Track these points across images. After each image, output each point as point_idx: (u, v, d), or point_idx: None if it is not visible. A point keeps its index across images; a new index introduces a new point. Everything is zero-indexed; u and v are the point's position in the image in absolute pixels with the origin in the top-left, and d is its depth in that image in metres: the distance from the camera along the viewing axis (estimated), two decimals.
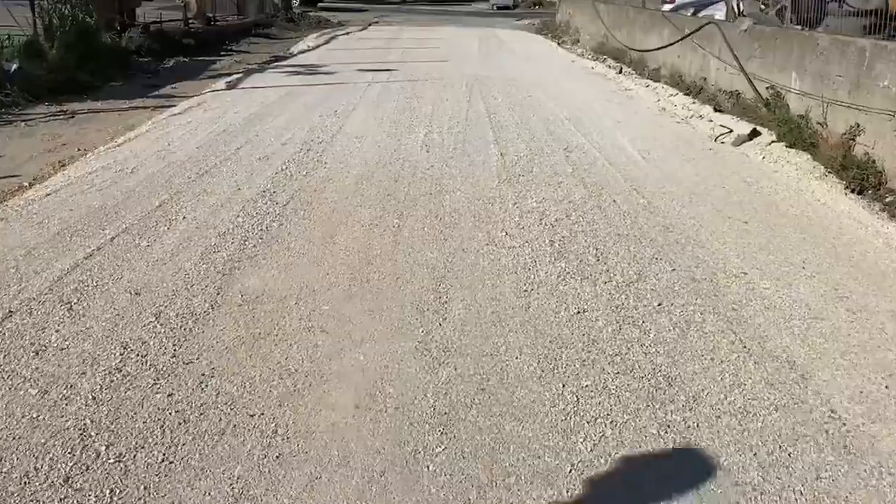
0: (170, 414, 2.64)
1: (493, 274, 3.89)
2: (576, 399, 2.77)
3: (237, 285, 3.70)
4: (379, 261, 4.06)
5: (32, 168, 5.92)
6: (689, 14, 11.72)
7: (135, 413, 2.64)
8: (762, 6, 9.78)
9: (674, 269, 3.99)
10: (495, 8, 34.70)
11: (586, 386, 2.85)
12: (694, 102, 8.74)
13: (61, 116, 7.88)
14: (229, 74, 11.10)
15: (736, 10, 9.32)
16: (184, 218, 4.68)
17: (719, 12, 11.13)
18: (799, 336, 3.28)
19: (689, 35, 9.53)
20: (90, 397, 2.73)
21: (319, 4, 29.51)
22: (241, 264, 3.96)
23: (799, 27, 7.99)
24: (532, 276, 3.87)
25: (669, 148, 6.85)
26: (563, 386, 2.85)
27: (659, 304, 3.56)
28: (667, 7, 17.43)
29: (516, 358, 3.05)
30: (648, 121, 8.23)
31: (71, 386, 2.80)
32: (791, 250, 4.31)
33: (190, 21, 16.05)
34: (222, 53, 14.00)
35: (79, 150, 6.47)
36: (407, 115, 8.22)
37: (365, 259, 4.07)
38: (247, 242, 4.28)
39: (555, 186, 5.50)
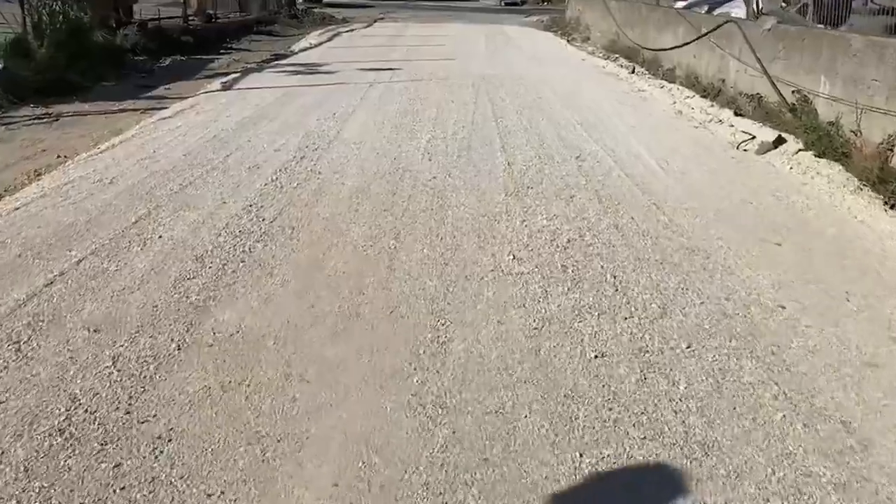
0: (112, 492, 2.22)
1: (499, 307, 3.46)
2: (596, 475, 2.34)
3: (210, 321, 3.28)
4: (371, 290, 3.63)
5: (7, 177, 5.52)
6: (703, 12, 11.24)
7: (71, 491, 2.22)
8: (783, 4, 9.29)
9: (702, 302, 3.55)
10: (503, 4, 34.26)
11: (607, 456, 2.42)
12: (712, 105, 8.27)
13: (45, 120, 7.48)
14: (226, 74, 10.69)
15: (756, 8, 8.84)
16: (160, 237, 4.27)
17: (736, 10, 10.65)
18: (852, 389, 2.84)
19: (706, 34, 9.06)
20: (22, 468, 2.32)
21: (325, 0, 29.10)
22: (217, 294, 3.55)
23: (822, 26, 7.52)
24: (543, 310, 3.43)
25: (689, 156, 6.40)
26: (581, 456, 2.42)
27: (688, 347, 3.12)
28: (680, 4, 16.98)
29: (525, 417, 2.62)
30: (665, 125, 7.77)
31: (2, 452, 2.39)
32: (832, 278, 3.86)
33: (189, 18, 15.65)
34: (221, 52, 13.60)
35: (59, 157, 6.06)
36: (409, 118, 7.79)
37: (356, 288, 3.65)
38: (226, 267, 3.86)
39: (566, 201, 5.06)
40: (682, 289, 3.69)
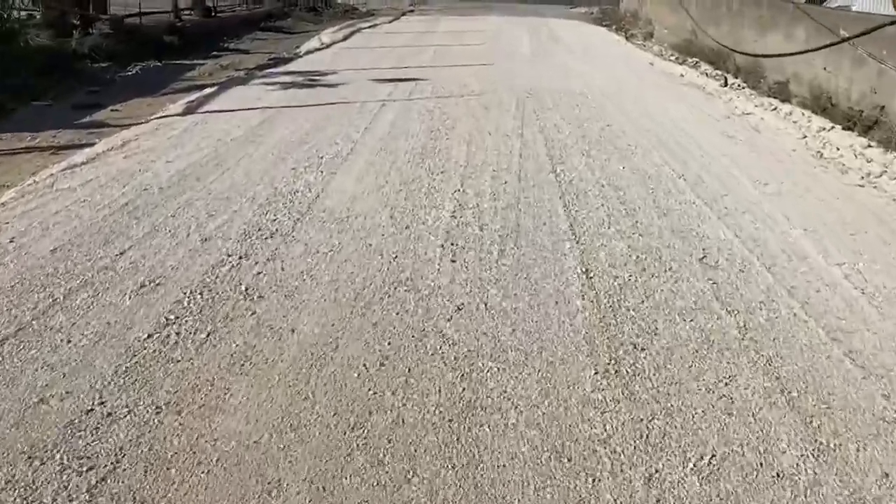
0: None
1: None
2: None
3: None
4: None
5: None
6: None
7: None
8: None
9: None
10: None
11: None
12: (870, 146, 5.68)
13: None
14: (201, 88, 8.37)
15: None
16: None
17: (857, 4, 7.99)
18: None
19: (849, 39, 6.43)
20: None
21: None
22: None
23: None
24: None
25: (892, 260, 3.85)
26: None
27: None
28: None
29: None
30: (813, 182, 5.20)
31: None
32: None
33: (184, 12, 13.42)
34: (214, 53, 11.30)
35: None
36: (428, 165, 5.36)
37: None
38: None
39: (720, 385, 2.59)
40: None
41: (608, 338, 2.92)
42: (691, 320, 3.07)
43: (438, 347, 2.83)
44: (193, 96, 7.82)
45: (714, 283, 3.44)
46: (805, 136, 6.29)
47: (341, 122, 6.69)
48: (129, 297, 3.20)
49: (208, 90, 8.19)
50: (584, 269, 3.57)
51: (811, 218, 4.36)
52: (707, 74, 9.47)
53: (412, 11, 20.81)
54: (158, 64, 9.92)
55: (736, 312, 3.15)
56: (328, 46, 12.37)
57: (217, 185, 4.82)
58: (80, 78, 8.46)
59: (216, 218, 4.20)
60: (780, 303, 3.24)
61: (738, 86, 8.56)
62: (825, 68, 6.96)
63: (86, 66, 8.95)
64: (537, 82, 9.03)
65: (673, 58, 11.28)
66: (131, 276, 3.43)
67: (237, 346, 2.83)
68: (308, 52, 11.61)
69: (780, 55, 7.96)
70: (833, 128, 6.23)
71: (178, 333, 2.91)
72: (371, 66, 10.14)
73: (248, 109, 7.19)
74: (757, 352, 2.84)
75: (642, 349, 2.83)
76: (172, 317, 3.04)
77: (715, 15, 10.53)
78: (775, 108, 7.29)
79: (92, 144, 5.87)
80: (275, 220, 4.20)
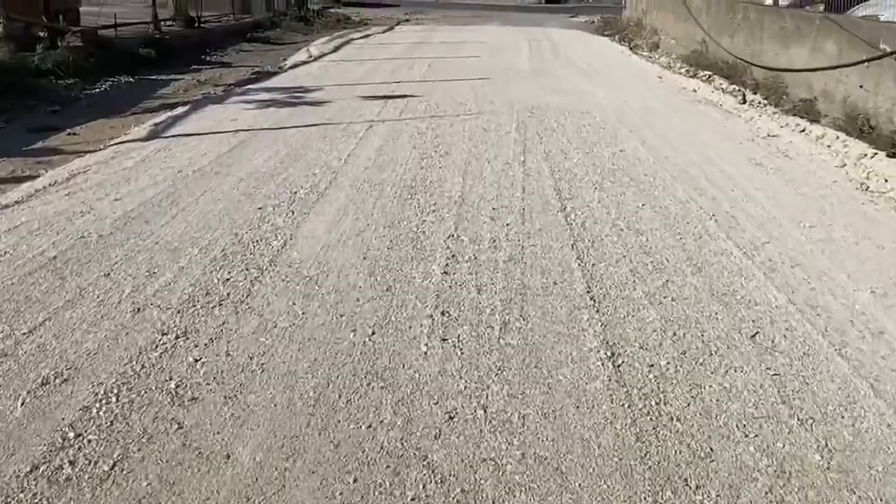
0: None
1: None
2: None
3: None
4: None
5: None
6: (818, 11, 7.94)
7: None
8: None
9: None
10: (543, 2, 30.86)
11: None
12: None
13: None
14: (173, 106, 7.65)
15: None
16: None
17: (886, 13, 7.30)
18: None
19: (893, 54, 5.73)
20: None
21: (345, 0, 26.09)
22: None
23: None
24: None
25: None
26: None
27: None
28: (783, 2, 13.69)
29: None
30: (866, 223, 4.46)
31: None
32: None
33: (165, 23, 12.71)
34: (194, 67, 10.58)
35: None
36: (416, 204, 4.64)
37: None
38: None
39: None
40: None
41: (649, 469, 2.18)
42: (755, 436, 2.33)
43: (422, 487, 2.09)
44: (162, 117, 7.09)
45: (775, 374, 2.70)
46: (844, 164, 5.58)
47: (322, 148, 5.97)
48: (23, 403, 2.46)
49: (180, 109, 7.47)
50: (608, 353, 2.83)
51: (876, 274, 3.64)
52: (723, 90, 8.76)
53: (407, 21, 20.12)
54: (131, 80, 9.20)
55: (811, 423, 2.41)
56: (316, 59, 11.65)
57: (167, 230, 4.09)
58: (41, 96, 7.74)
59: (158, 277, 3.46)
60: (867, 406, 2.51)
61: (759, 103, 7.85)
62: (861, 86, 6.25)
63: (49, 82, 8.23)
64: (540, 99, 8.32)
65: (683, 70, 10.58)
66: (34, 366, 2.69)
67: (148, 486, 2.09)
68: (294, 66, 10.90)
69: (806, 70, 7.26)
70: (875, 154, 5.52)
71: (72, 463, 2.17)
72: (360, 82, 9.43)
73: (220, 133, 6.46)
74: (851, 490, 2.10)
75: (696, 488, 2.09)
76: (72, 434, 2.30)
77: (729, 25, 9.84)
78: (804, 130, 6.58)
79: (35, 177, 5.15)
80: (228, 279, 3.47)
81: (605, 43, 15.12)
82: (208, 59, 11.66)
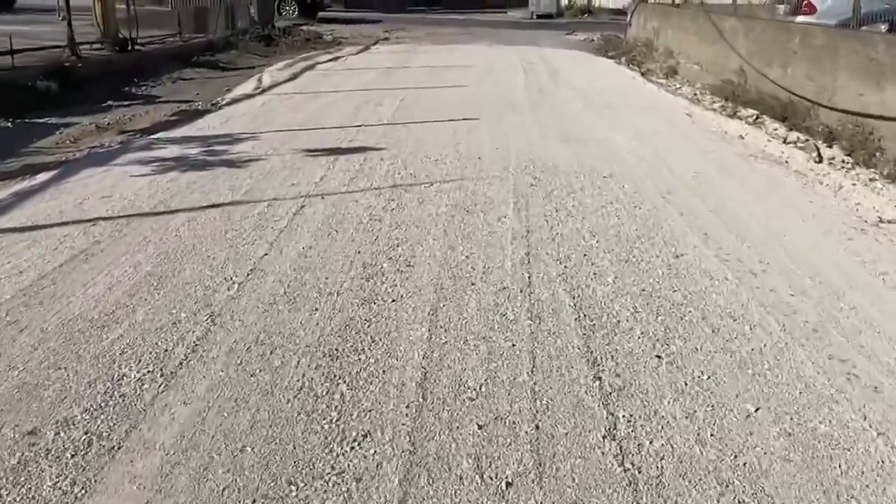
0: None
1: None
2: None
3: None
4: None
5: None
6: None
7: None
8: None
9: None
10: (535, 17, 28.88)
11: None
12: None
13: None
14: (40, 169, 5.49)
15: None
16: None
17: None
18: None
19: None
20: None
21: (321, 15, 24.05)
22: None
23: None
24: None
25: None
26: None
27: None
28: (804, 19, 11.73)
29: None
30: None
31: None
32: None
33: (87, 46, 10.56)
34: (108, 103, 8.41)
35: None
36: (337, 402, 2.50)
37: None
38: None
39: None
40: None
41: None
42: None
43: None
44: (5, 193, 4.93)
45: None
46: None
47: (214, 257, 3.82)
48: None
49: (40, 177, 5.32)
50: None
51: None
52: (783, 139, 6.67)
53: (386, 40, 18.03)
54: (8, 125, 7.04)
55: None
56: (264, 91, 9.51)
57: None
58: None
59: None
60: None
61: (842, 162, 5.78)
62: None
63: None
64: (543, 153, 6.21)
65: (716, 106, 8.52)
66: None
67: None
68: (234, 101, 8.75)
69: None
70: None
71: None
72: (310, 125, 7.30)
73: (70, 224, 4.31)
74: None
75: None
76: None
77: (779, 52, 7.77)
78: None
79: None
80: None
81: (610, 66, 13.06)
82: (133, 90, 9.51)
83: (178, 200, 4.78)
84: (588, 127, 7.45)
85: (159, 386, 2.62)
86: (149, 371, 2.72)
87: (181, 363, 2.77)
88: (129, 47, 11.40)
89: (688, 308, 3.31)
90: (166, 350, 2.87)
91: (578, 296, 3.42)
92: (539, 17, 28.34)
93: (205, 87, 9.92)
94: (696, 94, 9.50)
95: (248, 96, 9.09)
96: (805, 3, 12.59)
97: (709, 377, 2.74)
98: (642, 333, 3.06)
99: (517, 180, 5.37)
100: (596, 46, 16.56)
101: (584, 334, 3.04)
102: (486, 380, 2.69)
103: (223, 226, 4.31)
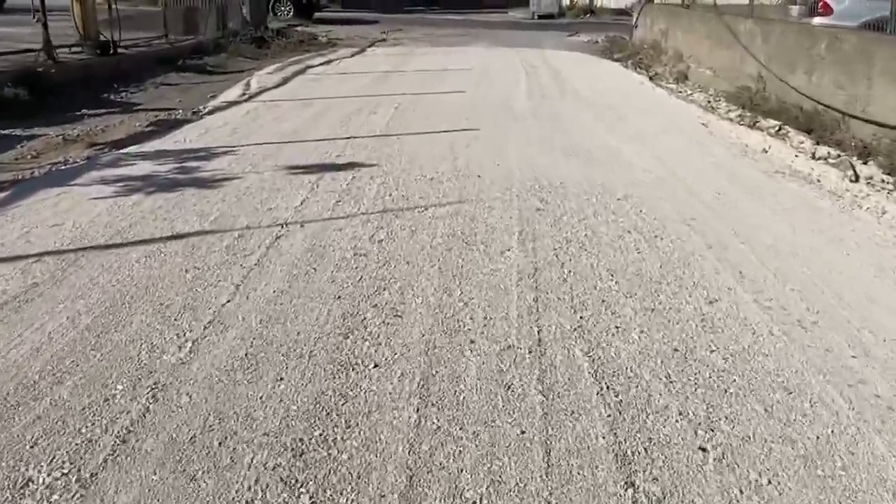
0: None
1: None
2: None
3: None
4: None
5: None
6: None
7: None
8: None
9: None
10: (536, 17, 28.29)
11: None
12: None
13: None
14: None
15: None
16: None
17: None
18: None
19: None
20: None
21: (318, 15, 23.48)
22: None
23: None
24: None
25: None
26: None
27: None
28: (820, 20, 11.25)
29: None
30: None
31: None
32: None
33: (66, 50, 9.99)
34: (82, 112, 7.84)
35: None
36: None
37: None
38: None
39: None
40: None
41: None
42: None
43: None
44: None
45: None
46: None
47: (168, 304, 3.25)
48: None
49: None
50: None
51: None
52: (811, 154, 6.09)
53: (383, 41, 17.45)
54: None
55: None
56: (250, 98, 8.94)
57: None
58: None
59: None
60: None
61: (882, 182, 5.21)
62: None
63: None
64: (549, 169, 5.65)
65: (733, 115, 7.94)
66: None
67: None
68: (217, 109, 8.18)
69: None
70: None
71: None
72: (295, 137, 6.74)
73: (11, 259, 3.75)
74: None
75: None
76: None
77: (803, 57, 7.20)
78: None
79: None
80: None
81: (616, 70, 12.48)
82: (112, 97, 8.95)
83: (138, 230, 4.21)
84: (596, 138, 6.89)
85: (72, 497, 2.05)
86: (63, 474, 2.15)
87: (105, 462, 2.21)
88: (112, 50, 10.81)
89: (731, 376, 2.74)
90: (90, 441, 2.30)
91: (598, 358, 2.85)
92: (540, 17, 27.75)
93: (189, 94, 9.35)
94: (710, 102, 8.94)
95: (233, 103, 8.51)
96: (821, 4, 12.04)
97: (769, 481, 2.17)
98: (680, 414, 2.49)
99: (521, 203, 4.80)
100: (600, 48, 15.98)
101: (610, 415, 2.48)
102: (488, 488, 2.12)
103: (185, 262, 3.75)
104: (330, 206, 4.70)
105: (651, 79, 11.20)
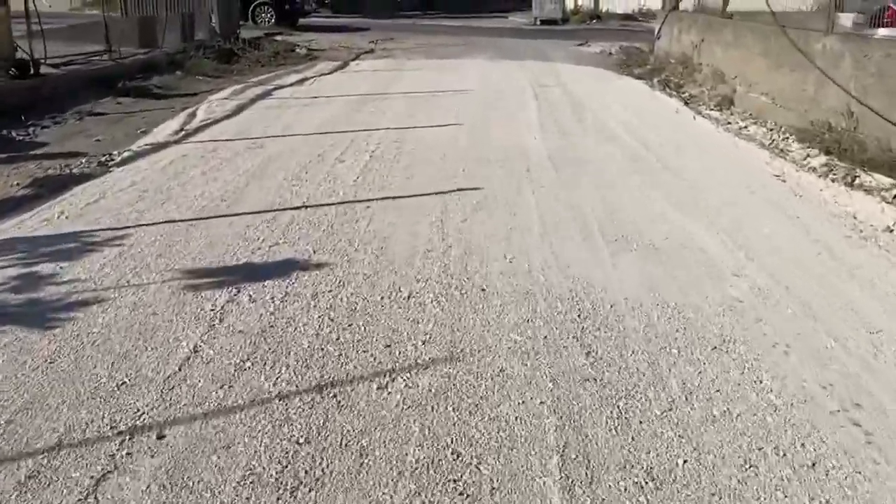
0: None
1: None
2: None
3: None
4: None
5: None
6: None
7: None
8: None
9: None
10: (538, 22, 26.30)
11: None
12: None
13: None
14: None
15: None
16: None
17: None
18: None
19: None
20: None
21: (303, 22, 21.54)
22: None
23: None
24: None
25: None
26: None
27: None
28: (887, 33, 9.35)
29: None
30: None
31: None
32: None
33: None
34: None
35: None
36: None
37: None
38: None
39: None
40: None
41: None
42: None
43: None
44: None
45: None
46: None
47: None
48: None
49: None
50: None
51: None
52: None
53: (371, 52, 15.45)
54: None
55: None
56: (186, 136, 6.95)
57: None
58: None
59: None
60: None
61: None
62: None
63: None
64: (590, 271, 3.69)
65: (815, 164, 5.97)
66: None
67: None
68: (136, 156, 6.19)
69: None
70: None
71: None
72: (218, 210, 4.76)
73: None
74: None
75: None
76: None
77: None
78: None
79: None
80: None
81: (642, 91, 10.51)
82: (12, 134, 6.99)
83: None
84: (646, 206, 4.94)
85: None
86: None
87: None
88: (31, 71, 8.87)
89: None
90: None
91: None
92: (543, 22, 25.75)
93: (115, 128, 7.40)
94: (773, 140, 6.98)
95: (161, 146, 6.53)
96: (889, 11, 10.08)
97: None
98: None
99: (553, 355, 2.86)
100: (616, 61, 14.02)
101: None
102: None
103: None
104: (229, 375, 2.75)
105: (686, 104, 9.25)
